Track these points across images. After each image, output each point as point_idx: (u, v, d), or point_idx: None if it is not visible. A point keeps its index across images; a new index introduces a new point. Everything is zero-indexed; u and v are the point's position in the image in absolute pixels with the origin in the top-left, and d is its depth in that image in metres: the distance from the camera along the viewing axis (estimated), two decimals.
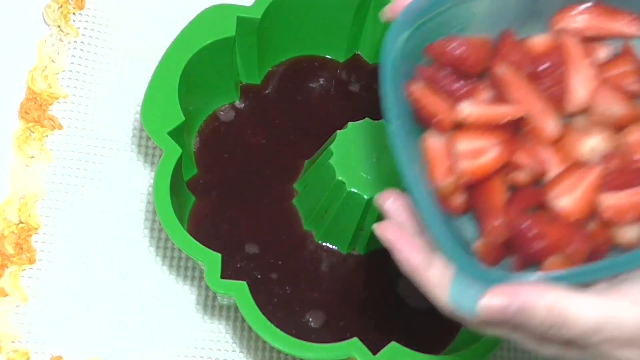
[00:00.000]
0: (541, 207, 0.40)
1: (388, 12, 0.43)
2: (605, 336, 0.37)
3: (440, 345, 0.58)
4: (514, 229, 0.39)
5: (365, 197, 0.55)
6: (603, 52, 0.44)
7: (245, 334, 0.59)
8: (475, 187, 0.41)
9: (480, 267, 0.39)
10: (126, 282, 0.60)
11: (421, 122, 0.42)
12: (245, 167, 0.62)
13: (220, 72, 0.61)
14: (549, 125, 0.41)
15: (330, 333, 0.57)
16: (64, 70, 0.64)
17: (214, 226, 0.59)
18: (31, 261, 0.59)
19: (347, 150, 0.57)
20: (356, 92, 0.66)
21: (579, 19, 0.43)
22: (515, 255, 0.40)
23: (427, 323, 0.59)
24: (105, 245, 0.60)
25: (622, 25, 0.44)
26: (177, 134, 0.55)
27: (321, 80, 0.66)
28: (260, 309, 0.51)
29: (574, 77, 0.42)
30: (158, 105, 0.55)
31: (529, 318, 0.37)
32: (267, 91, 0.65)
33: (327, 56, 0.66)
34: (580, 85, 0.42)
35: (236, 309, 0.52)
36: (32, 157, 0.61)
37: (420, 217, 0.40)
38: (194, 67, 0.57)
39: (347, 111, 0.64)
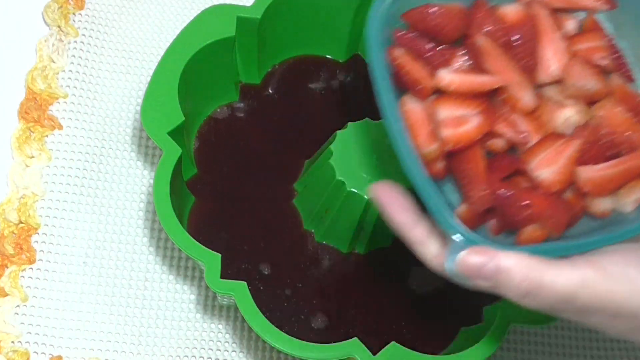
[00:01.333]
0: (518, 173, 0.42)
1: None
2: (581, 304, 0.39)
3: (440, 345, 0.58)
4: (499, 198, 0.41)
5: (365, 197, 0.55)
6: (571, 24, 0.45)
7: (245, 334, 0.59)
8: (455, 153, 0.42)
9: (463, 229, 0.40)
10: (126, 282, 0.60)
11: (402, 86, 0.43)
12: (245, 167, 0.62)
13: (220, 72, 0.61)
14: (526, 96, 0.43)
15: (330, 333, 0.57)
16: (64, 70, 0.64)
17: (214, 226, 0.59)
18: (31, 261, 0.59)
19: (347, 150, 0.57)
20: (356, 92, 0.66)
21: None
22: (496, 220, 0.42)
23: (427, 323, 0.59)
24: (105, 245, 0.60)
25: None
26: (177, 134, 0.55)
27: (321, 80, 0.66)
28: (260, 309, 0.51)
29: (547, 49, 0.43)
30: (158, 105, 0.55)
31: (506, 281, 0.39)
32: (267, 91, 0.65)
33: (327, 56, 0.66)
34: (553, 58, 0.43)
35: (236, 309, 0.52)
36: (32, 157, 0.61)
37: (409, 176, 0.41)
38: (194, 67, 0.57)
39: (347, 111, 0.64)
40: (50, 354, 0.57)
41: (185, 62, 0.57)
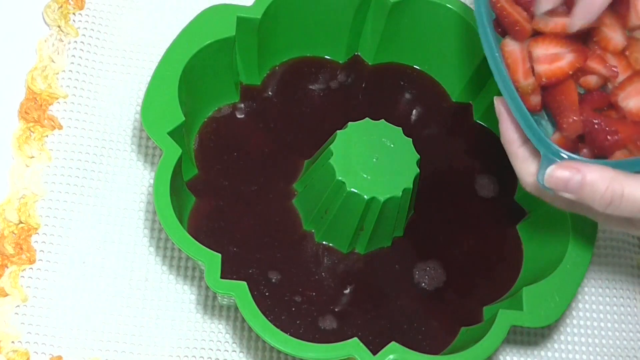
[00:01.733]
0: (609, 108, 0.47)
1: None
2: None
3: (440, 345, 0.58)
4: (589, 125, 0.46)
5: (365, 197, 0.55)
6: None
7: (245, 334, 0.59)
8: (550, 88, 0.47)
9: (556, 148, 0.45)
10: (126, 282, 0.60)
11: (503, 29, 0.48)
12: (245, 167, 0.62)
13: (220, 72, 0.61)
14: (617, 37, 0.47)
15: (330, 333, 0.57)
16: (64, 70, 0.64)
17: (214, 226, 0.59)
18: (31, 261, 0.59)
19: (347, 150, 0.57)
20: (356, 92, 0.66)
21: None
22: (587, 148, 0.46)
23: (427, 323, 0.59)
24: (105, 245, 0.60)
25: None
26: (177, 134, 0.55)
27: (321, 81, 0.66)
28: (260, 309, 0.51)
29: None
30: (158, 105, 0.55)
31: (590, 192, 0.43)
32: (267, 92, 0.65)
33: (327, 57, 0.66)
34: None
35: (236, 309, 0.52)
36: (32, 157, 0.61)
37: (510, 108, 0.47)
38: (194, 67, 0.57)
39: (347, 111, 0.64)
40: (50, 354, 0.57)
41: (185, 62, 0.57)
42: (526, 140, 0.47)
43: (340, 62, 0.66)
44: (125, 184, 0.62)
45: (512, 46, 0.48)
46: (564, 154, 0.45)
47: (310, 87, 0.66)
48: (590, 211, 0.47)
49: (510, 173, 0.65)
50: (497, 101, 0.49)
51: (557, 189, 0.44)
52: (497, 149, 0.66)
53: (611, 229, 0.49)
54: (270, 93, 0.65)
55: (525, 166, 0.48)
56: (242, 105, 0.64)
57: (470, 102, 0.66)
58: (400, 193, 0.56)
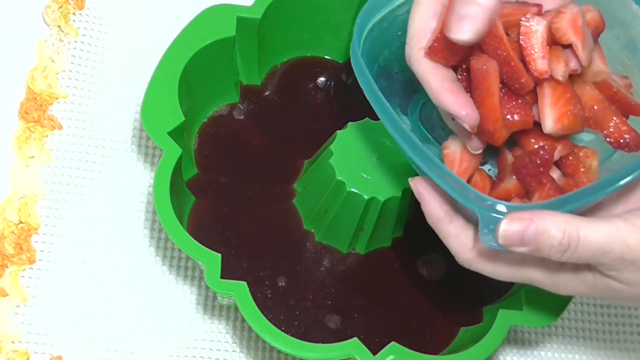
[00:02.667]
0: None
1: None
2: (615, 256, 0.41)
3: (440, 345, 0.58)
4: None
5: (365, 197, 0.55)
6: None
7: (245, 334, 0.59)
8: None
9: (492, 201, 0.42)
10: (126, 282, 0.60)
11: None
12: (245, 167, 0.62)
13: (220, 72, 0.61)
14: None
15: (330, 332, 0.57)
16: (64, 70, 0.64)
17: (214, 226, 0.59)
18: (31, 261, 0.59)
19: (347, 150, 0.57)
20: (356, 92, 0.66)
21: None
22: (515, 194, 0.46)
23: (427, 323, 0.59)
24: (105, 245, 0.60)
25: None
26: (177, 134, 0.55)
27: (321, 81, 0.66)
28: (260, 309, 0.51)
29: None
30: (158, 105, 0.55)
31: (546, 241, 0.41)
32: (267, 92, 0.65)
33: (327, 57, 0.66)
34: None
35: (236, 309, 0.52)
36: (32, 157, 0.61)
37: (434, 178, 0.44)
38: (194, 67, 0.57)
39: (347, 111, 0.64)
40: (50, 354, 0.57)
41: (185, 62, 0.57)
42: (454, 215, 0.45)
43: (341, 62, 0.66)
44: (125, 184, 0.62)
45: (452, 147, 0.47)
46: (502, 205, 0.42)
47: (311, 87, 0.66)
48: (535, 273, 0.45)
49: None
50: (413, 183, 0.46)
51: (512, 245, 0.41)
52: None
53: (561, 291, 0.46)
54: (270, 93, 0.65)
55: (460, 242, 0.45)
56: (242, 105, 0.64)
57: None
58: (401, 193, 0.56)
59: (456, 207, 0.45)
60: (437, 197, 0.45)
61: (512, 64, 0.44)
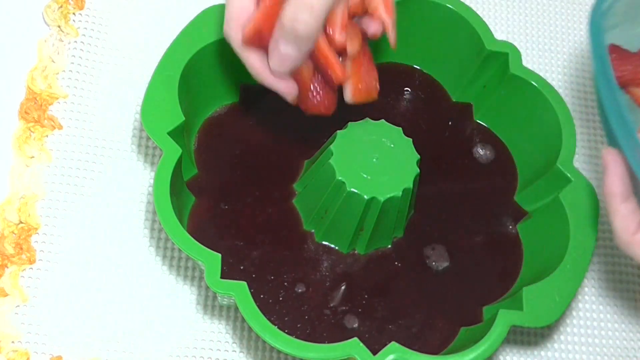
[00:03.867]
0: None
1: None
2: None
3: (440, 345, 0.58)
4: None
5: (365, 197, 0.55)
6: None
7: (245, 334, 0.59)
8: None
9: None
10: (126, 282, 0.60)
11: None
12: (245, 166, 0.62)
13: (220, 72, 0.61)
14: None
15: (330, 332, 0.57)
16: (64, 70, 0.64)
17: (214, 226, 0.59)
18: (31, 261, 0.59)
19: (347, 150, 0.57)
20: None
21: None
22: None
23: (428, 323, 0.59)
24: (105, 245, 0.60)
25: None
26: (177, 134, 0.55)
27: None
28: (260, 309, 0.51)
29: None
30: (158, 105, 0.55)
31: None
32: (267, 90, 0.65)
33: None
34: None
35: (236, 309, 0.52)
36: (32, 157, 0.61)
37: (630, 158, 0.45)
38: (194, 67, 0.57)
39: (347, 111, 0.64)
40: (50, 354, 0.57)
41: (185, 62, 0.57)
42: (629, 197, 0.46)
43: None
44: (125, 184, 0.62)
45: None
46: None
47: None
48: None
49: (510, 173, 0.65)
50: (606, 153, 0.47)
51: None
52: (497, 149, 0.66)
53: None
54: (270, 92, 0.65)
55: (625, 223, 0.47)
56: (242, 104, 0.64)
57: (471, 102, 0.66)
58: (401, 193, 0.56)
59: (635, 190, 0.46)
60: (621, 172, 0.46)
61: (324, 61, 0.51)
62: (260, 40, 0.50)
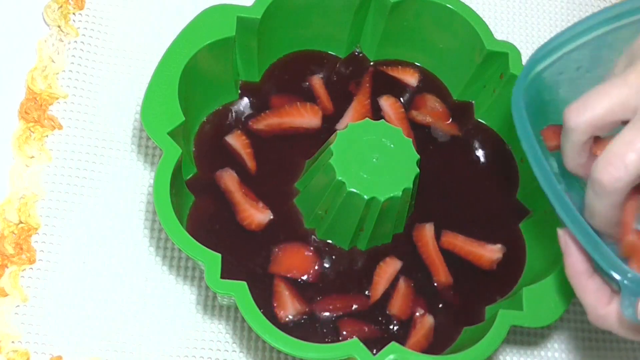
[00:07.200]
0: None
1: None
2: None
3: (440, 346, 0.58)
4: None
5: (365, 197, 0.55)
6: None
7: (245, 334, 0.59)
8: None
9: (632, 274, 0.42)
10: (126, 282, 0.60)
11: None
12: (246, 166, 0.62)
13: (220, 71, 0.61)
14: None
15: (330, 332, 0.57)
16: (64, 70, 0.64)
17: (213, 226, 0.59)
18: (31, 261, 0.59)
19: (347, 150, 0.57)
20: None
21: None
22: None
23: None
24: (105, 245, 0.60)
25: None
26: (177, 134, 0.55)
27: (321, 77, 0.66)
28: (260, 308, 0.51)
29: None
30: (158, 105, 0.55)
31: None
32: (266, 88, 0.65)
33: (328, 52, 0.66)
34: None
35: (236, 309, 0.52)
36: (32, 157, 0.61)
37: (580, 239, 0.44)
38: (194, 67, 0.57)
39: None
40: (50, 354, 0.57)
41: (185, 62, 0.57)
42: (593, 272, 0.45)
43: (341, 57, 0.66)
44: (125, 184, 0.62)
45: None
46: None
47: (310, 84, 0.65)
48: None
49: (512, 172, 0.65)
50: (562, 233, 0.47)
51: None
52: (498, 147, 0.66)
53: None
54: (269, 90, 0.65)
55: (597, 298, 0.45)
56: (242, 102, 0.64)
57: (472, 100, 0.66)
58: (401, 193, 0.56)
59: (596, 266, 0.45)
60: (581, 250, 0.45)
61: None
62: None
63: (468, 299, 0.60)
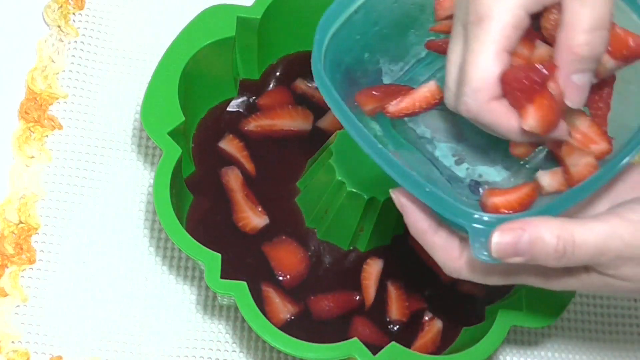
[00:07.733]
0: None
1: None
2: (614, 254, 0.40)
3: (440, 346, 0.58)
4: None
5: (365, 197, 0.55)
6: None
7: (245, 334, 0.59)
8: None
9: (480, 215, 0.40)
10: (126, 282, 0.60)
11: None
12: (246, 165, 0.62)
13: (220, 71, 0.61)
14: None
15: (331, 332, 0.57)
16: (64, 70, 0.64)
17: (213, 226, 0.59)
18: (31, 261, 0.59)
19: (347, 150, 0.57)
20: None
21: None
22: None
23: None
24: (105, 245, 0.60)
25: None
26: (177, 134, 0.55)
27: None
28: (260, 309, 0.51)
29: None
30: (158, 105, 0.55)
31: (541, 249, 0.39)
32: (266, 87, 0.65)
33: None
34: None
35: (236, 309, 0.52)
36: (32, 157, 0.61)
37: (415, 193, 0.42)
38: (194, 67, 0.57)
39: None
40: (50, 354, 0.57)
41: (185, 62, 0.57)
42: (439, 225, 0.43)
43: None
44: (125, 184, 0.62)
45: None
46: (488, 217, 0.40)
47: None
48: (529, 277, 0.43)
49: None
50: (395, 194, 0.44)
51: (506, 257, 0.40)
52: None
53: (555, 289, 0.44)
54: (269, 88, 0.65)
55: (447, 253, 0.43)
56: (242, 101, 0.64)
57: None
58: None
59: (441, 218, 0.43)
60: (420, 207, 0.43)
61: None
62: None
63: (468, 299, 0.60)
